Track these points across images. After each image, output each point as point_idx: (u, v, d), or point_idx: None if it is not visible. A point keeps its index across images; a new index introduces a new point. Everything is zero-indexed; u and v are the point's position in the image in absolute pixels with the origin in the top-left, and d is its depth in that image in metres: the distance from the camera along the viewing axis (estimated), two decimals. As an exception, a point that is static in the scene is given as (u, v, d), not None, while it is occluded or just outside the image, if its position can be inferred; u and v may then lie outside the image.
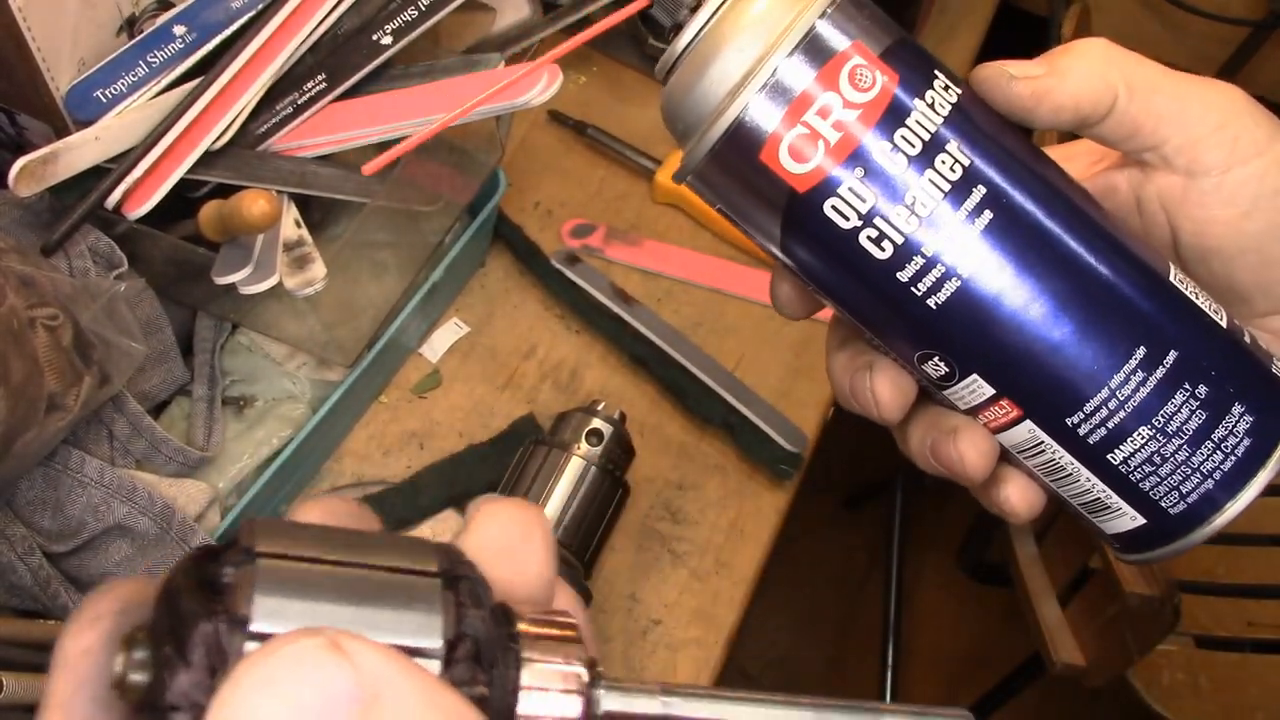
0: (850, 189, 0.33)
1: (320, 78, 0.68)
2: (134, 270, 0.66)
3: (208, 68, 0.66)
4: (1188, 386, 0.34)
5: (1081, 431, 0.34)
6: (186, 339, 0.72)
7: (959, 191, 0.33)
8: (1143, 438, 0.34)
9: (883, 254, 0.33)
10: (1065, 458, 0.35)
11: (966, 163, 0.33)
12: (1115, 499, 0.36)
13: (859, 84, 0.33)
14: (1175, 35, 1.49)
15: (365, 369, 0.71)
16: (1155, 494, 0.35)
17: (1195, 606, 1.08)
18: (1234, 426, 0.34)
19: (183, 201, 0.66)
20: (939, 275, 0.33)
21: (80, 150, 0.62)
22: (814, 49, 0.33)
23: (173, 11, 0.66)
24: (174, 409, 0.70)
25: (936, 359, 0.35)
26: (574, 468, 0.63)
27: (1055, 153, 0.38)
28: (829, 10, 0.33)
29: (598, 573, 0.71)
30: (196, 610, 0.20)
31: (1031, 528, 1.05)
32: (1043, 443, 0.35)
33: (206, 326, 0.72)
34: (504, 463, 0.67)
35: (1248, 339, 0.35)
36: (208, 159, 0.66)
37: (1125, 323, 0.34)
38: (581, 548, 0.61)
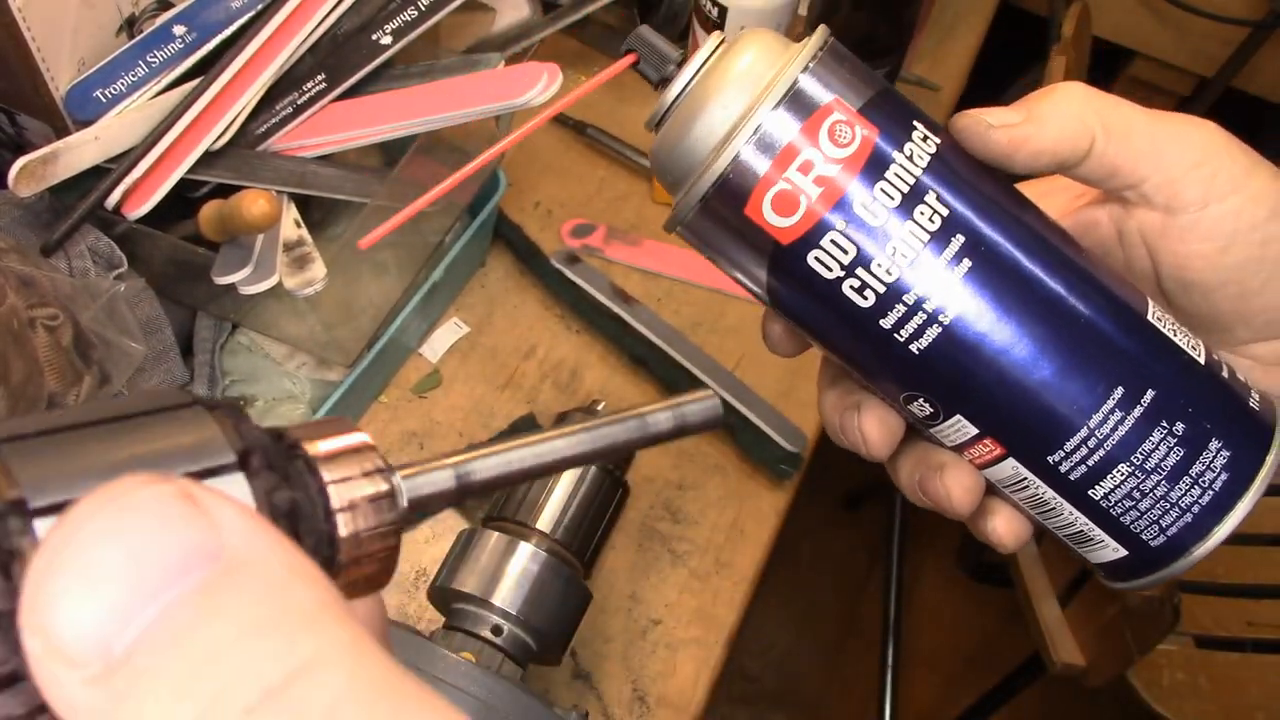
0: (833, 241, 0.33)
1: (320, 78, 0.68)
2: (134, 270, 0.66)
3: (208, 68, 0.66)
4: (1165, 424, 0.34)
5: (1063, 469, 0.35)
6: (186, 339, 0.72)
7: (939, 240, 0.33)
8: (1122, 474, 0.35)
9: (865, 302, 0.34)
10: (1048, 493, 0.36)
11: (945, 212, 0.33)
12: (1098, 532, 0.37)
13: (839, 139, 0.33)
14: (1175, 35, 1.49)
15: (365, 369, 0.71)
16: (1136, 528, 0.36)
17: (1195, 606, 1.08)
18: (1211, 461, 0.35)
19: (183, 201, 0.66)
20: (921, 322, 0.34)
21: (80, 150, 0.62)
22: (796, 104, 0.33)
23: (173, 11, 0.66)
24: (174, 409, 0.70)
25: (921, 400, 0.36)
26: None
27: (1036, 187, 0.39)
28: (811, 65, 0.33)
29: (598, 573, 0.71)
30: None
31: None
32: (1026, 479, 0.36)
33: (206, 326, 0.72)
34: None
35: (1225, 373, 0.36)
36: (208, 159, 0.66)
37: (1104, 363, 0.34)
38: (581, 548, 0.61)
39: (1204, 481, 0.35)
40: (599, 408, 0.67)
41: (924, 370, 0.35)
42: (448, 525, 0.73)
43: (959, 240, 0.33)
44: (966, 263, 0.33)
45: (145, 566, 0.15)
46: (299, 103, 0.68)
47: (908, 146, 0.34)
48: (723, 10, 0.74)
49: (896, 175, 0.33)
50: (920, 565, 1.65)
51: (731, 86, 0.34)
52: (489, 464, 0.23)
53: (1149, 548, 0.36)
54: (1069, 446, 0.35)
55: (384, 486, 0.21)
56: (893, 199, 0.33)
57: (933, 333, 0.34)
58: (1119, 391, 0.34)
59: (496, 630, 0.56)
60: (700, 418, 0.25)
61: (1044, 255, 0.34)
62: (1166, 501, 0.35)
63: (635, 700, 0.69)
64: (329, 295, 0.65)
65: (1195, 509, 0.35)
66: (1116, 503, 0.35)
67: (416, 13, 0.69)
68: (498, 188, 0.78)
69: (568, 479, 0.62)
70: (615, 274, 0.84)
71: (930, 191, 0.33)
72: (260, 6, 0.66)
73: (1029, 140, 0.35)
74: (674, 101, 0.36)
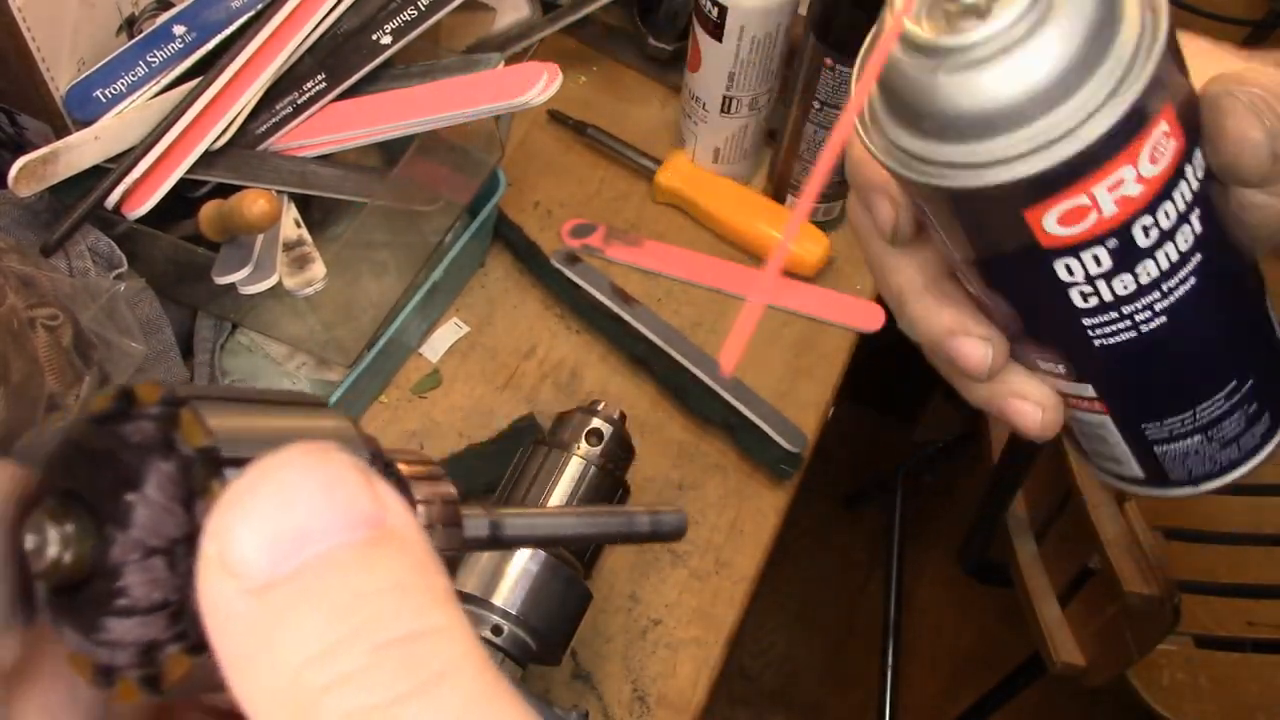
0: (1094, 256, 0.31)
1: (320, 78, 0.68)
2: (134, 270, 0.66)
3: (208, 68, 0.66)
4: (1247, 406, 0.36)
5: (1149, 434, 0.37)
6: (186, 339, 0.72)
7: (1183, 260, 0.32)
8: (1195, 443, 0.37)
9: (1084, 304, 0.33)
10: (1116, 438, 0.37)
11: (1200, 231, 0.31)
12: (1133, 463, 0.38)
13: (1158, 157, 0.30)
14: (1175, 35, 1.49)
15: (365, 369, 0.71)
16: (1169, 467, 0.38)
17: (1195, 606, 1.08)
18: (1257, 429, 0.37)
19: (183, 201, 0.66)
20: (1122, 327, 0.33)
21: (80, 150, 0.62)
22: (1138, 112, 0.28)
23: (172, 11, 0.66)
24: (174, 409, 0.70)
25: (1063, 367, 0.36)
26: (574, 468, 0.63)
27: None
28: (1162, 56, 0.28)
29: (598, 573, 0.71)
30: (143, 456, 0.18)
31: (1031, 528, 1.05)
32: (1106, 426, 0.37)
33: (206, 326, 0.72)
34: (504, 463, 0.67)
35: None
36: (208, 159, 0.66)
37: (1237, 364, 0.35)
38: (582, 548, 0.61)
39: (1244, 445, 0.37)
40: (599, 408, 0.67)
41: (1090, 355, 0.34)
42: (448, 525, 0.73)
43: (1195, 260, 0.32)
44: (1191, 281, 0.32)
45: (321, 512, 0.17)
46: (299, 103, 0.68)
47: (1195, 157, 0.30)
48: (723, 10, 0.74)
49: (1180, 196, 0.30)
50: (920, 565, 1.65)
51: (1111, 57, 0.28)
52: (518, 523, 0.26)
53: (1169, 479, 0.38)
54: (1167, 422, 0.36)
55: (456, 514, 0.23)
56: (1168, 220, 0.31)
57: (1126, 335, 0.33)
58: (1232, 384, 0.35)
59: (496, 630, 0.56)
60: (671, 526, 0.29)
61: (1237, 271, 0.34)
62: (1209, 456, 0.37)
63: (635, 700, 0.69)
64: (329, 295, 0.65)
65: (1224, 460, 0.37)
66: (1171, 455, 0.37)
67: (416, 13, 0.69)
68: (497, 187, 0.78)
69: (568, 479, 0.62)
70: (615, 274, 0.84)
71: (1194, 211, 0.31)
72: (260, 6, 0.66)
73: None
74: (1012, 42, 0.28)
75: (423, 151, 0.69)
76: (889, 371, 1.58)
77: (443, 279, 0.76)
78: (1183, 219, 0.31)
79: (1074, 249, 0.31)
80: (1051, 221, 0.30)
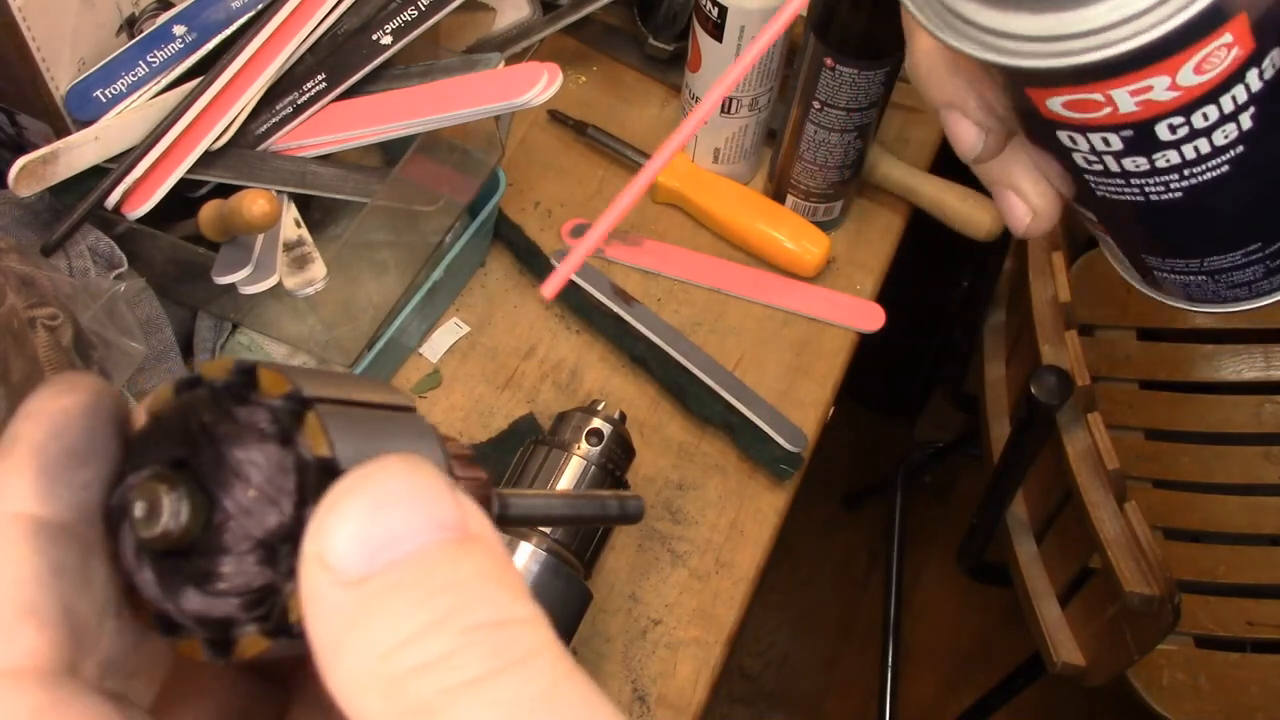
0: (1103, 138, 0.30)
1: (320, 78, 0.68)
2: (134, 270, 0.66)
3: (208, 68, 0.66)
4: (1270, 262, 0.35)
5: (1148, 263, 0.36)
6: (186, 339, 0.72)
7: (1213, 154, 0.30)
8: (1198, 280, 0.36)
9: (1088, 167, 0.32)
10: (1117, 253, 0.37)
11: (1248, 128, 0.30)
12: (1135, 275, 0.37)
13: (1206, 69, 0.28)
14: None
15: (365, 369, 0.71)
16: (1169, 290, 0.37)
17: (1195, 606, 1.08)
18: (1274, 279, 0.35)
19: (183, 201, 0.66)
20: (1128, 192, 0.32)
21: (80, 150, 0.62)
22: (1185, 32, 0.27)
23: (173, 11, 0.66)
24: (174, 409, 0.70)
25: (1067, 189, 0.35)
26: (574, 468, 0.63)
27: None
28: None
29: (598, 573, 0.71)
30: (262, 446, 0.20)
31: (1031, 528, 1.05)
32: (1107, 241, 0.37)
33: (206, 326, 0.72)
34: (504, 463, 0.67)
35: None
36: (208, 159, 0.66)
37: (1263, 233, 0.34)
38: (581, 548, 0.61)
39: (1257, 287, 0.36)
40: (599, 408, 0.67)
41: (1091, 197, 0.33)
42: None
43: (1235, 152, 0.30)
44: (1223, 169, 0.30)
45: (411, 517, 0.18)
46: (299, 103, 0.68)
47: (1269, 59, 0.28)
48: (723, 10, 0.74)
49: (1231, 98, 0.29)
50: (920, 565, 1.65)
51: None
52: (520, 504, 0.27)
53: (1163, 291, 0.37)
54: (1170, 262, 0.35)
55: (486, 496, 0.25)
56: (1206, 121, 0.29)
57: (1130, 198, 0.32)
58: (1256, 245, 0.34)
59: (496, 630, 0.56)
60: (634, 509, 0.31)
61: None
62: (1212, 291, 0.36)
63: (635, 700, 0.69)
64: (329, 295, 0.65)
65: (1229, 295, 0.36)
66: (1170, 281, 0.36)
67: (416, 13, 0.69)
68: (498, 187, 0.78)
69: (567, 478, 0.62)
70: (615, 274, 0.84)
71: (1251, 109, 0.29)
72: (260, 6, 0.66)
73: None
74: None
75: (423, 151, 0.69)
76: (889, 371, 1.58)
77: (443, 279, 0.76)
78: (1229, 119, 0.29)
79: (1081, 128, 0.30)
80: (1057, 104, 0.29)
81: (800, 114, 0.78)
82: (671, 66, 0.92)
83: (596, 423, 0.65)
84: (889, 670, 1.49)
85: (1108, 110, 0.29)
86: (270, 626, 0.19)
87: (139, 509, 0.19)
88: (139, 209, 0.64)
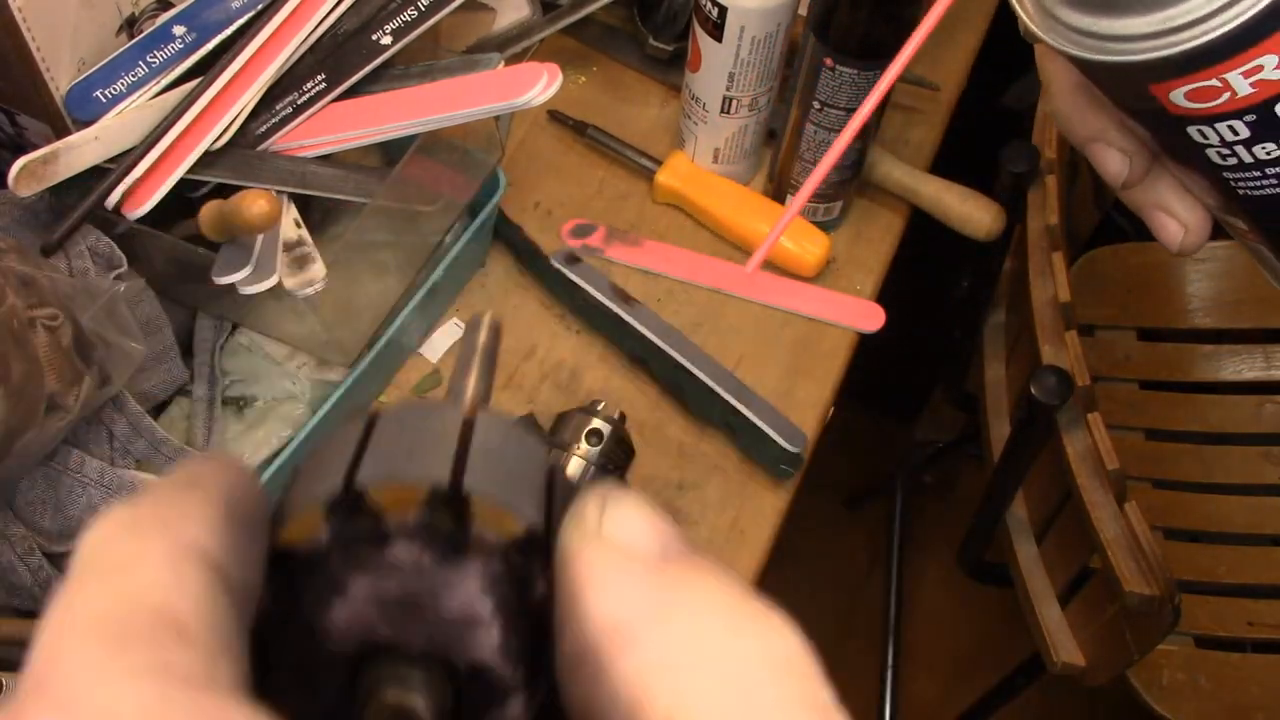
0: (1229, 126, 0.31)
1: (320, 78, 0.68)
2: (134, 270, 0.66)
3: (208, 68, 0.66)
4: None
5: None
6: (186, 339, 0.72)
7: None
8: None
9: (1223, 163, 0.33)
10: (1277, 266, 0.38)
11: None
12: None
13: None
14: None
15: (365, 369, 0.71)
16: None
17: (1195, 606, 1.08)
18: None
19: (183, 201, 0.66)
20: (1268, 183, 0.33)
21: (80, 150, 0.62)
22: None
23: (173, 11, 0.66)
24: (174, 409, 0.70)
25: (1214, 200, 0.36)
26: (574, 468, 0.63)
27: None
28: None
29: (598, 573, 0.71)
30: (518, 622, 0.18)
31: (1031, 528, 1.05)
32: (1262, 253, 0.37)
33: (206, 326, 0.72)
34: (504, 463, 0.67)
35: None
36: (208, 159, 0.66)
37: None
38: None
39: None
40: (599, 408, 0.67)
41: (1236, 199, 0.34)
42: (448, 525, 0.73)
43: None
44: None
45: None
46: (299, 103, 0.68)
47: None
48: (723, 10, 0.74)
49: None
50: (920, 565, 1.65)
51: None
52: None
53: None
54: None
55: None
56: None
57: (1273, 190, 0.33)
58: None
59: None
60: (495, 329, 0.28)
61: None
62: None
63: (635, 700, 0.69)
64: (329, 295, 0.65)
65: None
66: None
67: (416, 13, 0.69)
68: (498, 187, 0.78)
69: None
70: (615, 274, 0.84)
71: None
72: (260, 6, 0.66)
73: None
74: None
75: (423, 151, 0.69)
76: (889, 371, 1.58)
77: (443, 279, 0.75)
78: None
79: (1207, 119, 0.31)
80: (1179, 96, 0.31)
81: (800, 114, 0.78)
82: (671, 66, 0.92)
83: (596, 423, 0.65)
84: (889, 670, 1.49)
85: (1227, 95, 0.30)
86: None
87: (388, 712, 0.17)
88: (139, 209, 0.64)
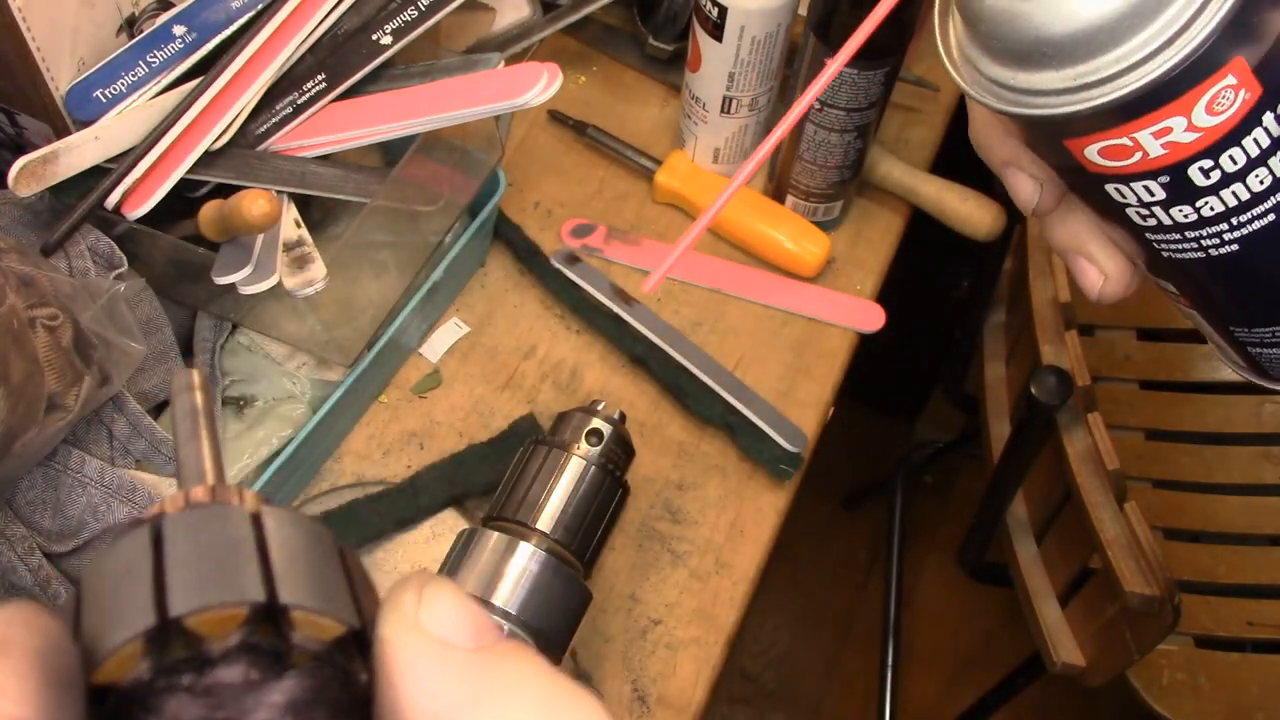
0: (1145, 187, 0.31)
1: (320, 78, 0.68)
2: (134, 270, 0.66)
3: (208, 68, 0.66)
4: None
5: (1239, 336, 0.36)
6: (186, 339, 0.72)
7: (1255, 201, 0.31)
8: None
9: (1143, 223, 0.33)
10: (1210, 331, 0.37)
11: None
12: (1236, 357, 0.38)
13: (1218, 109, 0.29)
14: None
15: (365, 369, 0.71)
16: (1270, 368, 0.37)
17: (1195, 606, 1.08)
18: None
19: (183, 201, 0.66)
20: (1188, 248, 0.33)
21: (80, 150, 0.62)
22: (1202, 61, 0.28)
23: (173, 11, 0.66)
24: (174, 409, 0.70)
25: (1141, 261, 0.36)
26: (574, 468, 0.63)
27: None
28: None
29: (598, 573, 0.71)
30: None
31: (1031, 528, 1.05)
32: (1196, 318, 0.37)
33: (206, 326, 0.72)
34: (504, 463, 0.67)
35: None
36: (208, 159, 0.66)
37: None
38: (581, 548, 0.61)
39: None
40: (599, 407, 0.67)
41: (1161, 263, 0.34)
42: (448, 525, 0.73)
43: (1278, 198, 0.31)
44: (1271, 218, 0.31)
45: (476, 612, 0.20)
46: (299, 103, 0.68)
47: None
48: (723, 10, 0.74)
49: (1254, 141, 0.30)
50: (920, 565, 1.65)
51: (1163, 13, 0.28)
52: None
53: (1269, 375, 0.38)
54: (1257, 330, 0.35)
55: None
56: (1236, 164, 0.30)
57: (1192, 255, 0.33)
58: None
59: (496, 630, 0.56)
60: None
61: None
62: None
63: (635, 700, 0.69)
64: (329, 295, 0.65)
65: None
66: (1267, 357, 0.36)
67: (416, 13, 0.69)
68: (498, 187, 0.78)
69: (567, 478, 0.62)
70: (615, 274, 0.84)
71: (1278, 152, 0.30)
72: (260, 6, 0.66)
73: None
74: None
75: (423, 151, 0.69)
76: (889, 371, 1.58)
77: (443, 279, 0.76)
78: (1259, 163, 0.30)
79: (1122, 178, 0.31)
80: (1094, 153, 0.31)
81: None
82: (671, 66, 0.92)
83: (596, 423, 0.65)
84: (889, 670, 1.49)
85: (1139, 155, 0.30)
86: None
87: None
88: (139, 209, 0.64)
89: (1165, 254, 0.33)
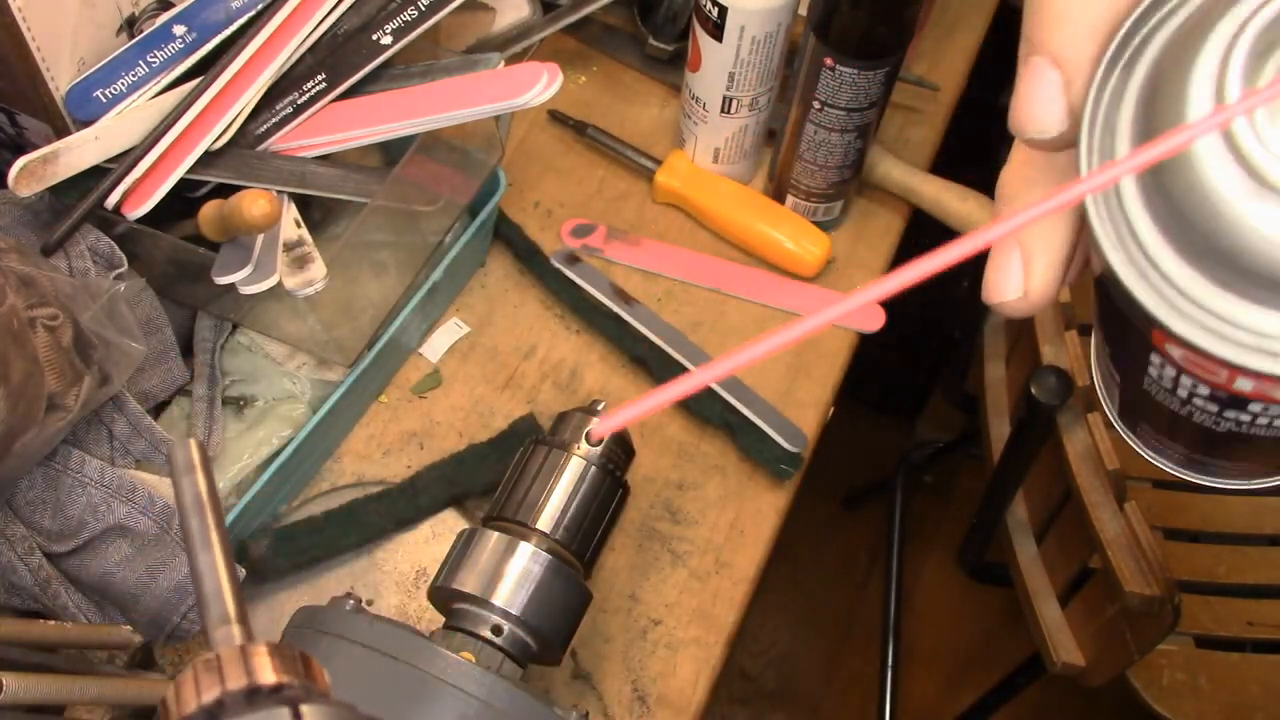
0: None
1: (320, 78, 0.68)
2: (134, 270, 0.66)
3: (208, 68, 0.66)
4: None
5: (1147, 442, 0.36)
6: (186, 339, 0.72)
7: None
8: (1201, 465, 0.35)
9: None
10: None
11: None
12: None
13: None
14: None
15: (365, 369, 0.71)
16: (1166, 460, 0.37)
17: (1195, 606, 1.08)
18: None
19: (183, 201, 0.66)
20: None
21: (80, 150, 0.62)
22: None
23: (173, 11, 0.66)
24: (174, 409, 0.70)
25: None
26: (574, 468, 0.63)
27: None
28: None
29: (598, 573, 0.71)
30: None
31: (1031, 528, 1.05)
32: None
33: (206, 326, 0.72)
34: (504, 463, 0.67)
35: None
36: (208, 159, 0.66)
37: None
38: (581, 548, 0.61)
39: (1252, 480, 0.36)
40: (599, 407, 0.67)
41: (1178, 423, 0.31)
42: (447, 525, 0.73)
43: None
44: None
45: None
46: (299, 103, 0.68)
47: None
48: (723, 10, 0.74)
49: None
50: (920, 565, 1.65)
51: None
52: None
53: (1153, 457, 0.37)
54: (1197, 466, 0.35)
55: None
56: None
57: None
58: None
59: (496, 630, 0.56)
60: None
61: None
62: (1212, 472, 0.36)
63: (635, 700, 0.69)
64: (329, 295, 0.65)
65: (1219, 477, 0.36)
66: (1172, 458, 0.36)
67: (416, 13, 0.69)
68: (498, 187, 0.78)
69: (567, 478, 0.62)
70: (615, 274, 0.84)
71: None
72: (260, 6, 0.66)
73: None
74: None
75: (423, 151, 0.69)
76: (889, 371, 1.58)
77: (443, 279, 0.76)
78: None
79: (1178, 370, 0.27)
80: (1175, 352, 0.26)
81: (800, 114, 0.78)
82: (671, 66, 0.92)
83: (596, 423, 0.65)
84: (889, 670, 1.49)
85: (1224, 376, 0.26)
86: None
87: None
88: (139, 209, 0.64)
89: (1144, 386, 0.30)
